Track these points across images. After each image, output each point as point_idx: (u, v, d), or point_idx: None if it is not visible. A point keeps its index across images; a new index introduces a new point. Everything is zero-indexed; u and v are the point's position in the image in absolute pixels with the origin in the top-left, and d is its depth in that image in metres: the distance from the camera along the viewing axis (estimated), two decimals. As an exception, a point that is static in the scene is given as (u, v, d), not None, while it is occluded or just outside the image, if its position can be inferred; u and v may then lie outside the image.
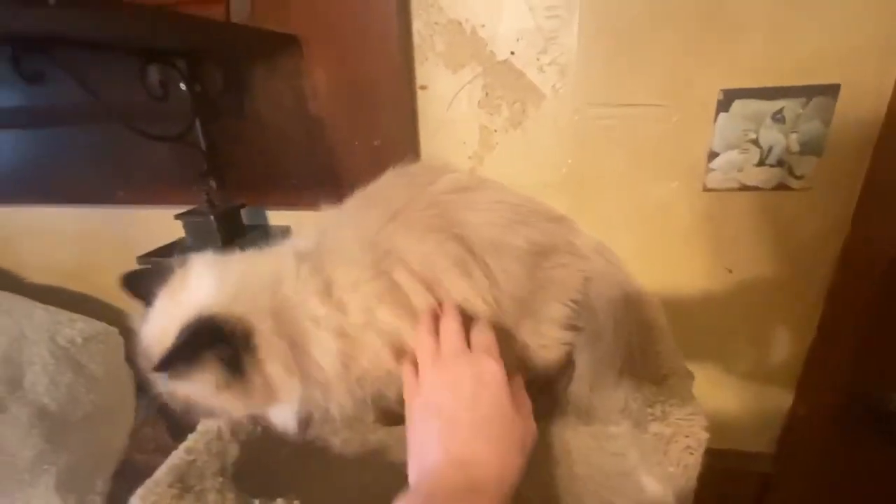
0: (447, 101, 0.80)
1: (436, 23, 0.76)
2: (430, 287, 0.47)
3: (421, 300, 0.47)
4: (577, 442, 0.59)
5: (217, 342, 0.39)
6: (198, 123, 0.84)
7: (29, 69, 0.59)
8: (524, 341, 0.55)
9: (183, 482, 0.46)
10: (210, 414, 0.44)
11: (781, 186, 0.75)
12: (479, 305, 0.49)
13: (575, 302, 0.55)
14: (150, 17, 0.59)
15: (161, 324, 0.42)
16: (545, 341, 0.55)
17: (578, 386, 0.62)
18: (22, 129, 0.98)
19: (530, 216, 0.53)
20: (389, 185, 0.53)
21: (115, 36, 0.67)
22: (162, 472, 0.47)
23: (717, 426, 0.90)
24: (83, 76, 0.66)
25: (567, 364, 0.59)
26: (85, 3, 0.44)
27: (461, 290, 0.48)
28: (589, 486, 0.53)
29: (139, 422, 1.12)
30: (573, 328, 0.56)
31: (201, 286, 0.43)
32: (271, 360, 0.41)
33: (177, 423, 0.46)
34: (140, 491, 0.45)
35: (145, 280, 0.43)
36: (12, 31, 0.55)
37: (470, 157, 0.83)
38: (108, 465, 1.03)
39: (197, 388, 0.41)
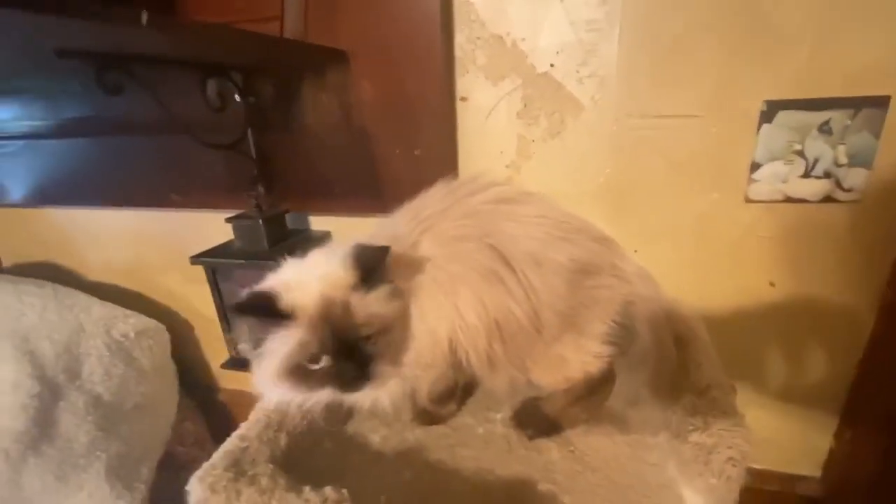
0: (486, 112, 0.83)
1: (478, 37, 0.79)
2: (451, 290, 0.49)
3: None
4: (614, 450, 0.59)
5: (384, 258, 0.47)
6: (250, 133, 0.89)
7: (110, 83, 0.65)
8: (564, 355, 0.56)
9: (237, 466, 0.48)
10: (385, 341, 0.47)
11: (828, 199, 0.74)
12: (513, 313, 0.50)
13: (617, 324, 0.56)
14: (217, 35, 0.65)
15: (323, 274, 0.47)
16: (587, 357, 0.56)
17: (619, 401, 0.62)
18: (90, 138, 1.06)
19: (574, 234, 0.54)
20: (431, 195, 0.55)
21: (185, 52, 0.72)
22: (218, 456, 0.50)
23: (760, 446, 0.88)
24: (154, 89, 0.72)
25: (608, 377, 0.59)
26: (169, 24, 0.48)
27: (491, 296, 0.50)
28: (628, 495, 0.53)
29: (180, 416, 1.18)
30: (615, 345, 0.57)
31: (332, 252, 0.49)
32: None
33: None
34: (199, 473, 0.47)
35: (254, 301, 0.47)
36: (100, 48, 0.61)
37: (507, 167, 0.85)
38: (153, 455, 1.09)
39: (381, 297, 0.46)
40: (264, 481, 0.46)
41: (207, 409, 1.31)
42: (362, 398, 0.50)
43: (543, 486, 0.54)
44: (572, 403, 0.60)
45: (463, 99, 0.83)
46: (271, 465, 0.49)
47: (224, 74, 0.83)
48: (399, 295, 0.48)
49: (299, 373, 0.45)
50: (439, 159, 0.85)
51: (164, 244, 1.14)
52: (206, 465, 0.49)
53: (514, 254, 0.50)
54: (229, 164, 0.96)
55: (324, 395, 0.48)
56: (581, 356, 0.56)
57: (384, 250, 0.46)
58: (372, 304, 0.46)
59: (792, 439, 0.90)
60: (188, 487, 0.47)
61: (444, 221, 0.51)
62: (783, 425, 0.89)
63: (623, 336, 0.58)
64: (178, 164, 1.03)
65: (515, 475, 0.55)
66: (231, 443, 0.52)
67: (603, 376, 0.58)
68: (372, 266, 0.46)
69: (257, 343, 0.46)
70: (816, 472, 0.91)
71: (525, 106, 0.81)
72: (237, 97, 0.85)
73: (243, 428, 0.54)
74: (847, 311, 0.79)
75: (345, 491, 0.44)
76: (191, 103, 0.81)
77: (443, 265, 0.50)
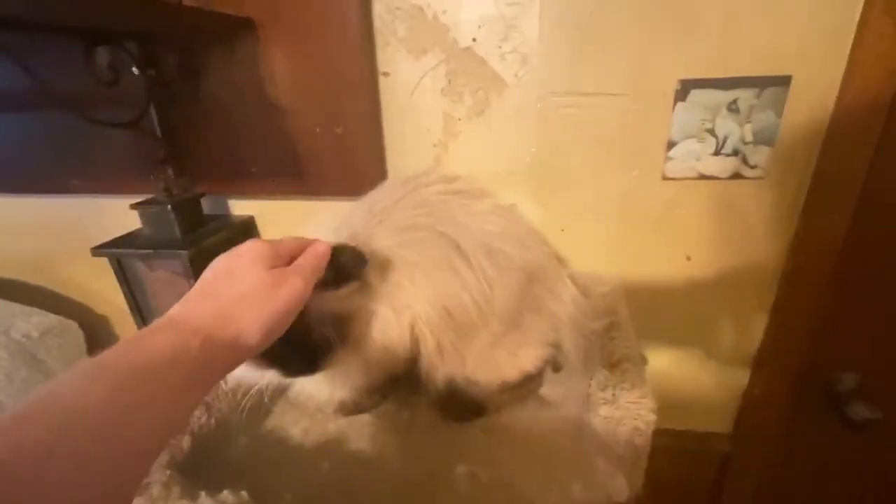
0: (410, 88, 0.79)
1: (397, 7, 0.74)
2: (404, 277, 0.48)
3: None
4: (535, 426, 0.60)
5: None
6: (153, 109, 0.80)
7: (-39, 50, 0.56)
8: (502, 358, 0.56)
9: (129, 475, 0.45)
10: None
11: (736, 175, 0.77)
12: (463, 302, 0.50)
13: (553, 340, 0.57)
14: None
15: None
16: (524, 361, 0.57)
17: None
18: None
19: (527, 237, 0.54)
20: (383, 189, 0.54)
21: (57, 15, 0.63)
22: (108, 466, 0.46)
23: (677, 408, 0.95)
24: (24, 59, 0.63)
25: (541, 372, 0.61)
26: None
27: (443, 285, 0.49)
28: (546, 468, 0.54)
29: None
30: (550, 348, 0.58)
31: None
32: None
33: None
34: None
35: None
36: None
37: (435, 146, 0.83)
38: (69, 461, 1.01)
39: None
40: (156, 490, 0.43)
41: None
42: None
43: (463, 467, 0.54)
44: (501, 393, 0.61)
45: (385, 74, 0.79)
46: (168, 471, 0.46)
47: (115, 43, 0.74)
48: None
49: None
50: (363, 138, 0.81)
51: (68, 234, 1.03)
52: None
53: (466, 243, 0.50)
54: (133, 144, 0.87)
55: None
56: (518, 361, 0.57)
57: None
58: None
59: (707, 400, 0.97)
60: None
61: (397, 212, 0.51)
62: (699, 387, 0.95)
63: (558, 355, 0.59)
64: (75, 145, 0.92)
65: (437, 458, 0.55)
66: (125, 449, 0.48)
67: (536, 372, 0.59)
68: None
69: None
70: (728, 429, 0.99)
71: (449, 82, 0.78)
72: (134, 69, 0.77)
73: (140, 433, 0.50)
74: (754, 279, 0.85)
75: (244, 493, 0.42)
76: (76, 76, 0.72)
77: (396, 253, 0.49)
